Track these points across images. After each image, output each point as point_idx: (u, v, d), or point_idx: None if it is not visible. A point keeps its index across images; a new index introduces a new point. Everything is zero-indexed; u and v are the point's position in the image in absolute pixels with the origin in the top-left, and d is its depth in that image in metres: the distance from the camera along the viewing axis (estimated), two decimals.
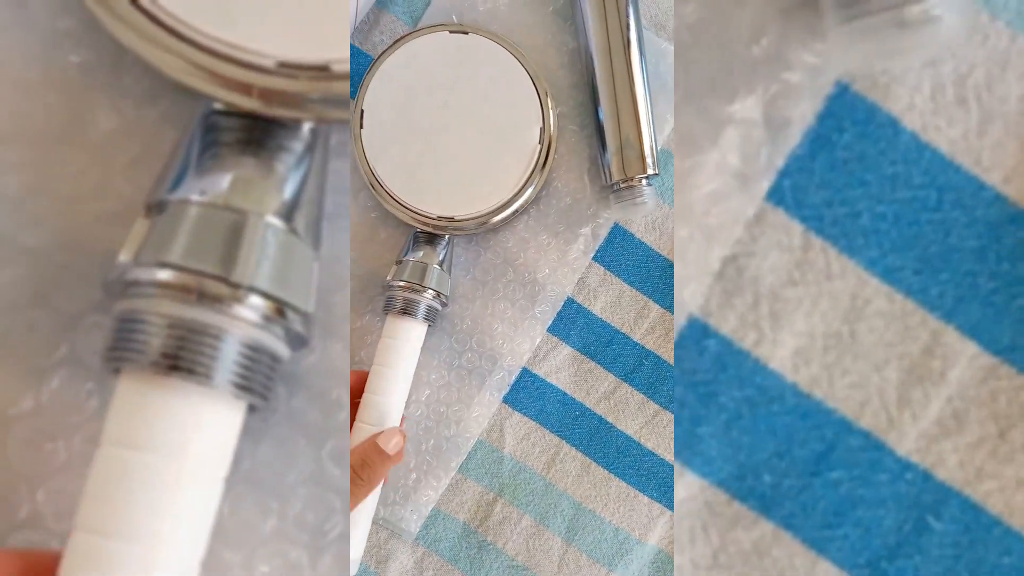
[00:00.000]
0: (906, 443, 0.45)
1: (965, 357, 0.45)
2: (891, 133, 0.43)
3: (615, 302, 0.58)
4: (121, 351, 0.32)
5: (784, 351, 0.45)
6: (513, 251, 0.57)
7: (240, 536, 0.43)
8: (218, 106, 0.34)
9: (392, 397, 0.51)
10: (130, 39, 0.33)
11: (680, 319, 0.45)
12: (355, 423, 0.51)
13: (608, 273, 0.58)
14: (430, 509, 0.58)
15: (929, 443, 0.44)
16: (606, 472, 0.58)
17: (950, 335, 0.45)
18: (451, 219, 0.52)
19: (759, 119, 0.43)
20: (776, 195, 0.44)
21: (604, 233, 0.58)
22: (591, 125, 0.56)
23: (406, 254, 0.53)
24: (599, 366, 0.59)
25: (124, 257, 0.34)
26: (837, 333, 0.45)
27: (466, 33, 0.53)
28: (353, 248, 0.57)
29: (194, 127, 0.35)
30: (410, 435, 0.58)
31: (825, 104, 0.44)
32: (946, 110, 0.43)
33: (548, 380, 0.59)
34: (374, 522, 0.56)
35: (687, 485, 0.45)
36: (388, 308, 0.53)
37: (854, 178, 0.44)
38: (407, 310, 0.52)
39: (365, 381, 0.52)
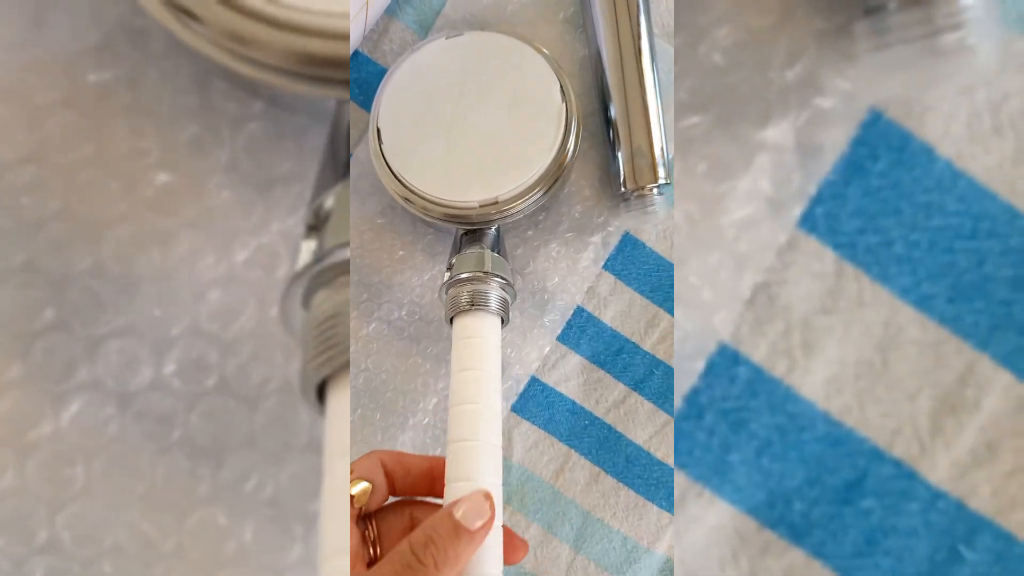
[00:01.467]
0: (938, 472, 0.44)
1: (999, 386, 0.45)
2: (925, 161, 0.44)
3: (625, 311, 0.58)
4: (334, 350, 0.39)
5: (816, 379, 0.45)
6: (523, 260, 0.57)
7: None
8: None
9: (483, 403, 0.43)
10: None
11: (710, 346, 0.45)
12: (448, 446, 0.43)
13: (619, 282, 0.58)
14: None
15: (962, 472, 0.44)
16: (615, 481, 0.58)
17: (984, 364, 0.45)
18: (495, 201, 0.50)
19: (791, 145, 0.43)
20: (808, 222, 0.44)
21: (615, 242, 0.57)
22: (601, 134, 0.56)
23: (454, 255, 0.51)
24: (609, 375, 0.58)
25: (304, 261, 0.40)
26: (869, 361, 0.45)
27: (461, 34, 0.53)
28: (360, 256, 0.57)
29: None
30: (417, 443, 0.57)
31: (859, 130, 0.44)
32: (982, 138, 0.43)
33: (557, 389, 0.58)
34: None
35: (717, 512, 0.45)
36: (453, 310, 0.48)
37: (888, 205, 0.44)
38: (475, 302, 0.47)
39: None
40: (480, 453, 0.41)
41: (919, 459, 0.45)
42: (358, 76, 0.58)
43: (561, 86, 0.51)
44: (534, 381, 0.58)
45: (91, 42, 0.47)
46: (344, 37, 0.42)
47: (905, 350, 0.45)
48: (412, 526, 0.39)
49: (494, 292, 0.47)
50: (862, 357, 0.45)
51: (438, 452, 0.56)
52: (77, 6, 0.47)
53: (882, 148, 0.44)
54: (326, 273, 0.38)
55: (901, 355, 0.45)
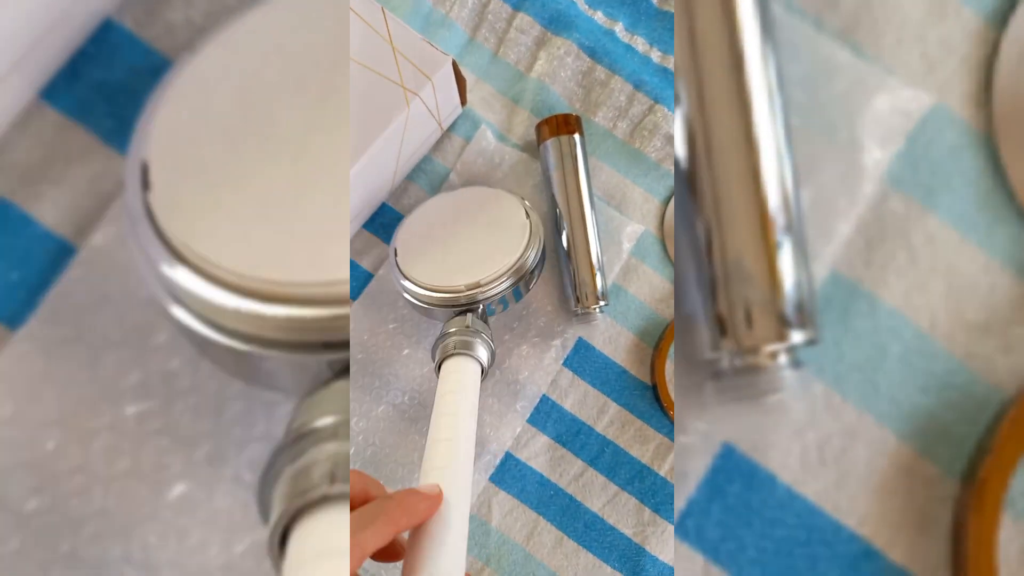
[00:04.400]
0: None
1: None
2: (770, 485, 0.54)
3: (581, 400, 0.67)
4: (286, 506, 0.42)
5: None
6: (500, 358, 0.68)
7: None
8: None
9: (460, 434, 0.50)
10: None
11: None
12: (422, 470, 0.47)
13: (575, 376, 0.68)
14: None
15: None
16: (576, 544, 0.65)
17: None
18: (477, 284, 0.61)
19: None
20: (681, 531, 0.54)
21: (571, 345, 0.68)
22: (559, 267, 0.69)
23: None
24: (569, 452, 0.67)
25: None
26: None
27: (457, 189, 0.67)
28: (377, 353, 0.68)
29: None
30: None
31: (716, 461, 0.54)
32: (811, 469, 0.54)
33: (528, 464, 0.66)
34: None
35: None
36: (442, 354, 0.56)
37: (742, 519, 0.54)
38: (461, 349, 0.56)
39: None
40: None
41: None
42: (384, 220, 0.70)
43: (526, 212, 0.64)
44: (509, 456, 0.66)
45: (132, 381, 0.56)
46: (344, 301, 0.47)
47: None
48: None
49: (479, 344, 0.57)
50: None
51: None
52: (123, 353, 0.57)
53: (735, 475, 0.54)
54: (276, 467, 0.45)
55: None
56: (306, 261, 0.48)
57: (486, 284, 0.61)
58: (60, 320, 0.58)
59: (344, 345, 0.49)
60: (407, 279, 0.62)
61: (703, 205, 0.50)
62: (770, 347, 0.49)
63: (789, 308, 0.49)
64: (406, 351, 0.68)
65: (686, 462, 0.55)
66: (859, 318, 0.56)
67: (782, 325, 0.49)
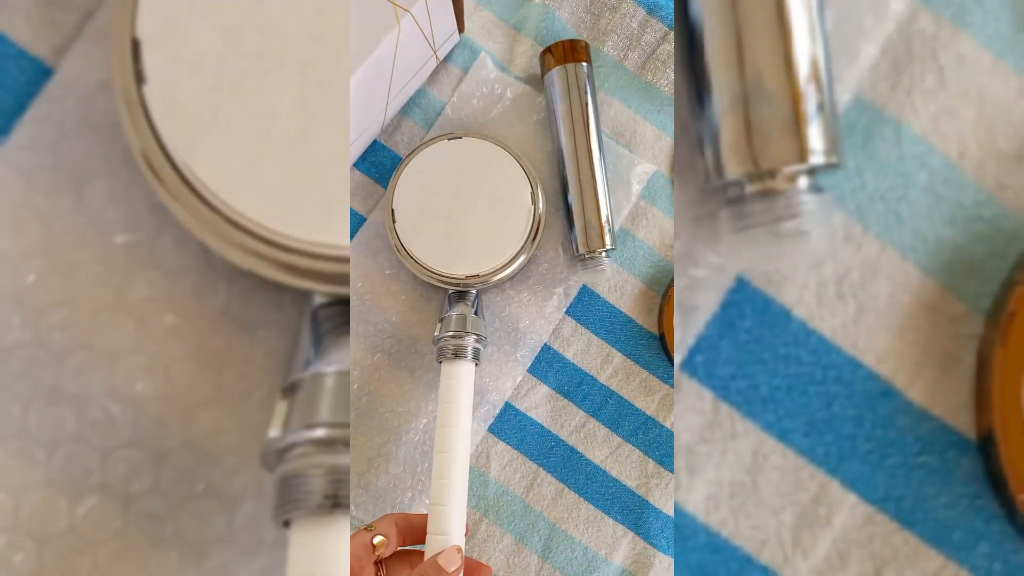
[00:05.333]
0: None
1: (847, 505, 0.51)
2: (784, 321, 0.51)
3: (584, 349, 0.66)
4: (291, 503, 0.43)
5: (697, 496, 0.51)
6: (500, 306, 0.66)
7: None
8: (319, 301, 0.51)
9: (453, 476, 0.55)
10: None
11: None
12: (430, 507, 0.55)
13: (579, 325, 0.66)
14: None
15: None
16: (577, 496, 0.64)
17: (834, 487, 0.51)
18: (477, 275, 0.61)
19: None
20: (690, 367, 0.52)
21: (574, 293, 0.66)
22: (563, 209, 0.65)
23: (445, 312, 0.62)
24: (571, 403, 0.65)
25: (274, 432, 0.46)
26: (741, 482, 0.51)
27: (460, 138, 0.63)
28: (370, 299, 0.66)
29: (303, 323, 0.51)
30: (408, 459, 0.64)
31: (728, 295, 0.52)
32: (829, 303, 0.52)
33: (528, 414, 0.65)
34: None
35: None
36: (440, 356, 0.60)
37: (754, 356, 0.51)
38: (458, 354, 0.59)
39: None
40: (451, 516, 0.54)
41: (783, 566, 0.51)
42: (376, 159, 0.67)
43: (532, 190, 0.62)
44: (508, 407, 0.65)
45: (119, 211, 0.54)
46: (341, 259, 0.48)
47: (770, 474, 0.51)
48: (412, 568, 0.51)
49: (471, 345, 0.59)
50: (735, 479, 0.51)
51: (425, 466, 0.64)
52: (108, 181, 0.54)
53: (748, 309, 0.51)
54: (288, 448, 0.45)
55: (767, 478, 0.51)
56: (310, 214, 0.48)
57: (485, 275, 0.61)
58: (38, 146, 0.55)
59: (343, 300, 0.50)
60: (407, 252, 0.62)
61: (719, 25, 0.47)
62: (789, 169, 0.46)
63: (810, 127, 0.46)
64: (401, 298, 0.67)
65: (697, 296, 0.52)
66: (883, 145, 0.52)
67: (802, 144, 0.46)
